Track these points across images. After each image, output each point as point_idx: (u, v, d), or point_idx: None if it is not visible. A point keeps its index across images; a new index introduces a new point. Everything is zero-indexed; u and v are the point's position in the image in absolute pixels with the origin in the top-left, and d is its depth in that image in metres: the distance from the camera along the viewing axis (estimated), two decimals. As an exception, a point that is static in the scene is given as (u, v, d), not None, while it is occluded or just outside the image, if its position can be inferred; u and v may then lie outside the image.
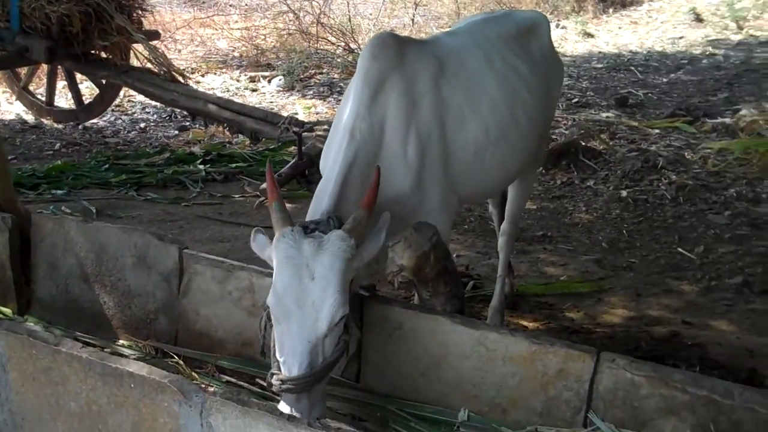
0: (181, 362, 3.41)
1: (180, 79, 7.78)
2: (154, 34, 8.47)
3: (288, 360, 2.71)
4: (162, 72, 7.70)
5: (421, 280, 3.08)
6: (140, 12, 8.20)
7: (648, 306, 4.87)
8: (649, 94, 10.34)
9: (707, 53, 12.68)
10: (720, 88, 10.57)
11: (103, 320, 3.88)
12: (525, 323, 4.60)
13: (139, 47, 8.03)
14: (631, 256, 5.63)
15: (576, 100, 9.93)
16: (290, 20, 12.40)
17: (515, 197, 4.35)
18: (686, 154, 7.80)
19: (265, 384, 3.23)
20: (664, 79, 11.15)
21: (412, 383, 3.22)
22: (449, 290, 3.14)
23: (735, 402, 2.77)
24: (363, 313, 3.26)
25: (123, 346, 3.71)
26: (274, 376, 2.73)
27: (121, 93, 9.12)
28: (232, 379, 3.40)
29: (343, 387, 3.28)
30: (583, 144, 7.62)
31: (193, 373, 3.35)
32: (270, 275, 3.46)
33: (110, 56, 7.84)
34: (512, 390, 3.06)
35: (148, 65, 7.88)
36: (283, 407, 2.68)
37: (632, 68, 11.73)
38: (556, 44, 13.09)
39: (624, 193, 6.64)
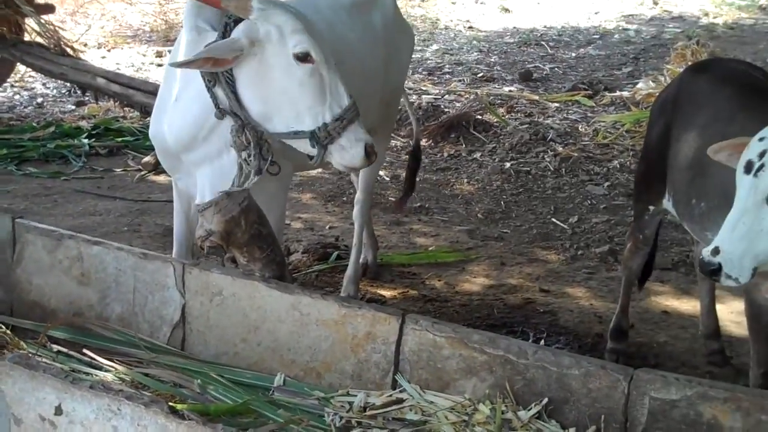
0: (9, 332, 3.40)
1: (70, 52, 7.67)
2: (48, 8, 8.32)
3: (336, 96, 3.03)
4: (52, 46, 7.60)
5: (234, 245, 3.10)
6: (32, -16, 8.05)
7: (510, 275, 4.95)
8: (556, 69, 10.44)
9: (620, 28, 12.83)
10: (626, 63, 10.72)
11: (-57, 292, 3.84)
12: (383, 292, 4.66)
13: (31, 21, 7.90)
14: (504, 226, 5.71)
15: (481, 74, 9.97)
16: (204, -5, 12.26)
17: (365, 167, 4.39)
18: (580, 126, 7.90)
19: (91, 355, 3.26)
20: (573, 54, 11.26)
21: (233, 349, 3.24)
22: (266, 255, 3.16)
23: (529, 361, 2.84)
24: (185, 280, 3.28)
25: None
26: (327, 127, 3.01)
27: (22, 68, 8.96)
28: (63, 349, 3.38)
29: (166, 354, 3.29)
30: (477, 117, 7.68)
31: (22, 343, 3.34)
32: (97, 243, 3.49)
33: (-1, 30, 7.73)
34: (325, 353, 3.10)
35: (39, 39, 7.75)
36: (351, 143, 3.04)
37: (543, 43, 11.80)
38: (473, 20, 13.21)
39: (507, 165, 6.72)
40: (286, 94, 3.03)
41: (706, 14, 13.35)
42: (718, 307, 4.09)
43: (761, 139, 2.61)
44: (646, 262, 4.05)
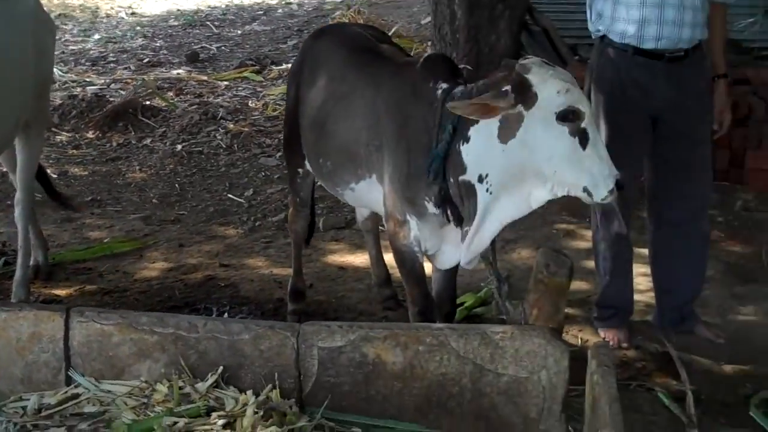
0: None
1: None
2: None
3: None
4: None
5: None
6: None
7: (189, 255, 4.94)
8: (223, 48, 10.47)
9: (283, 3, 13.07)
10: (290, 36, 10.94)
11: None
12: (58, 292, 4.49)
13: None
14: (180, 208, 5.69)
15: (147, 60, 9.80)
16: None
17: (21, 163, 4.22)
18: (250, 102, 8.00)
19: None
20: (239, 32, 11.34)
21: None
22: None
23: (200, 334, 2.89)
24: None
25: None
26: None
27: None
28: None
29: None
30: (144, 103, 7.56)
31: None
32: None
33: None
34: (-9, 362, 2.98)
35: None
36: None
37: (208, 23, 11.79)
38: (135, 5, 12.90)
39: (179, 147, 6.69)
40: None
41: (365, -18, 13.86)
42: (386, 256, 4.33)
43: None
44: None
